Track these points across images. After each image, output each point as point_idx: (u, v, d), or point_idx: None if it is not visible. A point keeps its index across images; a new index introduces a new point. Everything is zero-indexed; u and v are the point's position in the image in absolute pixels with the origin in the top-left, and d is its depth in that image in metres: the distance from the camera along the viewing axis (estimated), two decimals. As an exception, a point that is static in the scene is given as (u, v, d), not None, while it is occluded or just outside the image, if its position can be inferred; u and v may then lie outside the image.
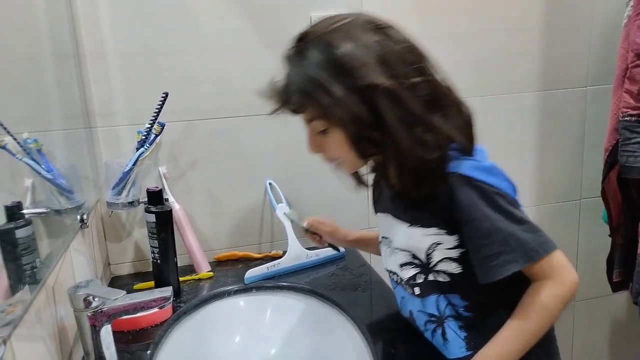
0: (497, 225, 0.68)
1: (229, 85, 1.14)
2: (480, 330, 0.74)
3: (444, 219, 0.72)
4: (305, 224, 1.06)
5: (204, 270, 1.11)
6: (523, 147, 1.37)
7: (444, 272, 0.74)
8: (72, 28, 1.02)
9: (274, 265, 1.09)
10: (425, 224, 0.74)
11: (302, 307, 1.00)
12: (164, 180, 1.11)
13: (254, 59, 1.14)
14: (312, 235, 1.07)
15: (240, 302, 1.02)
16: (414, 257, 0.77)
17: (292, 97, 0.73)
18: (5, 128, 0.66)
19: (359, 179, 0.87)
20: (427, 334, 0.80)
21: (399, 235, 0.79)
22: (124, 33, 1.06)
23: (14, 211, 0.67)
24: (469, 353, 0.74)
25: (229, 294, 1.01)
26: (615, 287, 1.34)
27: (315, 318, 0.97)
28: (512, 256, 0.67)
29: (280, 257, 1.12)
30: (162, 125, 1.06)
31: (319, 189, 1.23)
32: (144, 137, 1.05)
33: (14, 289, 0.62)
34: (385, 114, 0.67)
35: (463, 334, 0.76)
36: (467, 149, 0.72)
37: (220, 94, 1.14)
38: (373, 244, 0.98)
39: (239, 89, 1.14)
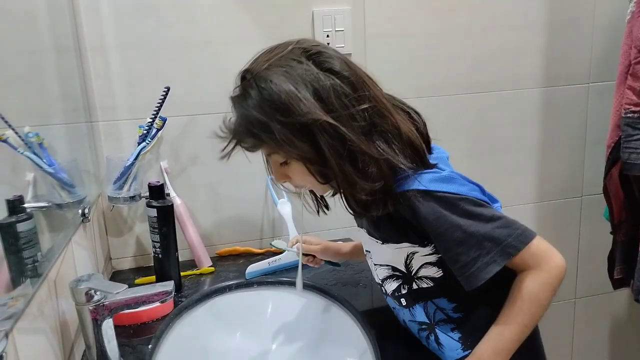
0: (469, 231, 0.67)
1: (231, 80, 1.12)
2: (473, 328, 0.74)
3: (413, 233, 0.72)
4: (292, 247, 1.03)
5: (205, 265, 1.11)
6: (525, 143, 1.37)
7: (427, 278, 0.75)
8: (74, 21, 1.02)
9: (275, 261, 1.09)
10: (396, 241, 0.75)
11: (303, 303, 1.00)
12: (165, 175, 1.11)
13: (255, 53, 1.13)
14: (306, 257, 1.02)
15: (242, 297, 1.02)
16: (394, 269, 0.78)
17: (243, 138, 0.74)
18: (6, 122, 0.66)
19: (323, 203, 0.88)
20: (423, 341, 0.81)
21: (376, 252, 0.81)
22: (125, 26, 1.06)
23: (15, 205, 0.67)
24: (466, 353, 0.74)
25: (230, 289, 1.01)
26: (616, 285, 1.34)
27: (316, 313, 0.97)
28: (490, 257, 0.67)
29: (281, 253, 1.12)
30: (164, 120, 1.06)
31: (321, 184, 1.23)
32: (145, 132, 1.05)
33: (15, 282, 0.62)
34: (325, 150, 0.67)
35: (457, 335, 0.76)
36: (416, 165, 0.71)
37: (222, 88, 1.11)
38: None
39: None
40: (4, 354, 0.51)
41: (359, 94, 0.69)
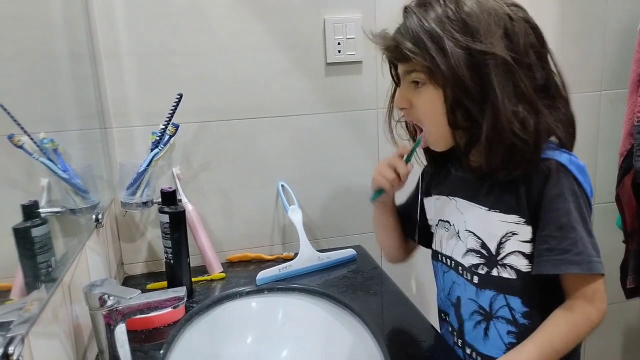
0: (573, 225, 0.67)
1: (243, 87, 1.14)
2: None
3: (528, 205, 0.70)
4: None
5: (216, 271, 1.12)
6: (536, 151, 1.36)
7: (511, 268, 0.72)
8: (88, 28, 1.03)
9: (285, 267, 1.09)
10: (506, 210, 0.72)
11: (314, 309, 1.00)
12: (177, 181, 1.12)
13: (267, 61, 1.14)
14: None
15: (252, 303, 1.02)
16: (483, 245, 0.75)
17: (402, 43, 0.70)
18: (22, 128, 0.67)
19: (431, 156, 0.85)
20: (468, 324, 0.79)
21: (473, 220, 0.77)
22: (139, 33, 1.07)
23: (30, 210, 0.68)
24: None
25: (241, 295, 1.02)
26: (629, 294, 1.33)
27: (326, 320, 0.97)
28: (578, 259, 0.67)
29: (291, 259, 1.12)
30: (176, 127, 1.07)
31: (331, 191, 1.24)
32: (158, 138, 1.06)
33: (30, 287, 0.63)
34: (493, 83, 0.66)
35: (508, 340, 0.74)
36: (566, 144, 0.72)
37: (234, 95, 1.14)
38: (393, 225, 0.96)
39: (253, 90, 1.15)
40: (20, 357, 0.51)
41: (545, 51, 0.70)
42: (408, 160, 0.84)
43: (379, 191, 0.89)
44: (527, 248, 0.71)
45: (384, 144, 0.86)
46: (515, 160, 0.68)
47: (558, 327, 0.69)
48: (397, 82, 0.82)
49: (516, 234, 0.71)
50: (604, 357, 1.56)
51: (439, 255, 0.86)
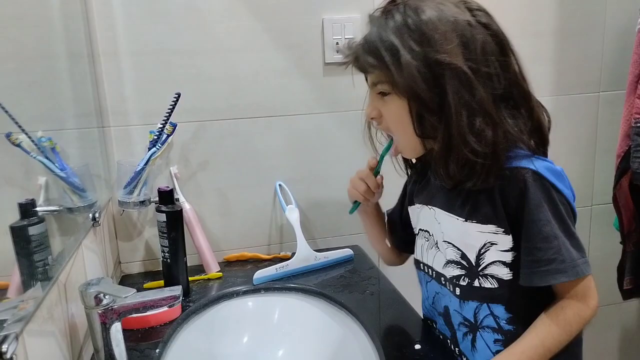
0: (555, 233, 0.67)
1: (241, 86, 1.14)
2: None
3: (506, 215, 0.69)
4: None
5: (213, 270, 1.12)
6: (534, 152, 1.36)
7: (493, 277, 0.72)
8: (87, 27, 1.03)
9: (282, 267, 1.09)
10: (483, 220, 0.71)
11: (310, 309, 1.00)
12: (175, 180, 1.12)
13: (265, 60, 1.14)
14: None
15: (249, 302, 1.02)
16: (463, 256, 0.74)
17: (362, 55, 0.70)
18: (20, 126, 0.67)
19: (411, 163, 0.85)
20: (458, 334, 0.79)
21: (450, 231, 0.76)
22: (137, 32, 1.07)
23: (27, 208, 0.68)
24: None
25: (237, 294, 1.02)
26: (626, 295, 1.33)
27: (323, 320, 0.97)
28: (562, 267, 0.67)
29: (289, 259, 1.12)
30: (174, 126, 1.07)
31: (328, 191, 1.24)
32: (155, 137, 1.06)
33: (26, 285, 0.63)
34: (449, 94, 0.65)
35: (496, 348, 0.74)
36: (536, 150, 0.71)
37: (232, 94, 1.14)
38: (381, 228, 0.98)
39: (251, 90, 1.15)
40: (14, 356, 0.51)
41: (504, 59, 0.68)
42: (377, 173, 0.87)
43: (355, 204, 0.94)
44: (507, 257, 0.71)
45: (381, 144, 0.86)
46: (475, 171, 0.67)
47: (549, 327, 0.69)
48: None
49: (495, 244, 0.71)
50: (601, 358, 1.56)
51: (421, 265, 0.86)
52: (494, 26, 0.69)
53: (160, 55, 1.09)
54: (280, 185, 1.20)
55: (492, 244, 0.71)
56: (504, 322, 0.73)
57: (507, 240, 0.70)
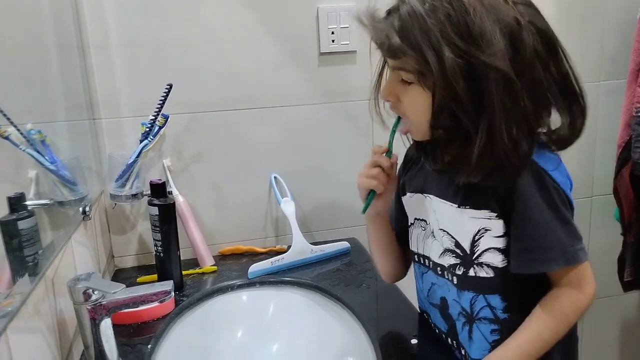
0: (546, 219, 0.65)
1: (234, 78, 1.13)
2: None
3: (497, 199, 0.68)
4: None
5: (208, 264, 1.10)
6: (533, 142, 1.35)
7: (488, 266, 0.70)
8: (77, 18, 1.01)
9: (278, 260, 1.08)
10: (476, 205, 0.69)
11: (306, 303, 0.99)
12: (167, 173, 1.10)
13: (259, 51, 1.12)
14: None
15: (244, 296, 1.01)
16: (457, 244, 0.73)
17: (392, 39, 0.63)
18: (8, 119, 0.66)
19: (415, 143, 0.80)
20: (458, 324, 0.77)
21: (445, 218, 0.74)
22: (128, 24, 1.05)
23: (17, 202, 0.67)
24: None
25: (232, 288, 1.01)
26: (626, 287, 1.32)
27: (318, 314, 0.96)
28: (553, 254, 0.66)
29: (284, 252, 1.10)
30: (166, 117, 1.05)
31: (324, 183, 1.22)
32: (147, 129, 1.05)
33: (16, 280, 0.62)
34: (492, 98, 0.60)
35: (492, 338, 0.72)
36: (550, 148, 0.69)
37: (225, 86, 1.13)
38: (388, 241, 0.89)
39: (245, 81, 1.13)
40: (-4, 354, 0.50)
41: (553, 59, 0.65)
42: (389, 152, 0.79)
43: (370, 195, 0.81)
44: (501, 243, 0.69)
45: (379, 135, 0.83)
46: (499, 171, 0.65)
47: (545, 318, 0.68)
48: (384, 66, 0.77)
49: (489, 230, 0.69)
50: (600, 349, 1.55)
51: (416, 256, 0.83)
52: (543, 23, 0.66)
53: (152, 47, 1.07)
54: (275, 177, 1.18)
55: (486, 229, 0.69)
56: (500, 311, 0.71)
57: (499, 225, 0.69)
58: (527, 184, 0.65)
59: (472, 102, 0.62)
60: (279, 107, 1.16)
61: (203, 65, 1.10)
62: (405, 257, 0.90)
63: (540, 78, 0.64)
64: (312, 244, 1.14)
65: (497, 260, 0.70)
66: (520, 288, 0.70)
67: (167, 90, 1.02)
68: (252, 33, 1.11)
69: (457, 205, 0.72)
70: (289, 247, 1.12)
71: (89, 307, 0.70)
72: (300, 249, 1.11)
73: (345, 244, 1.17)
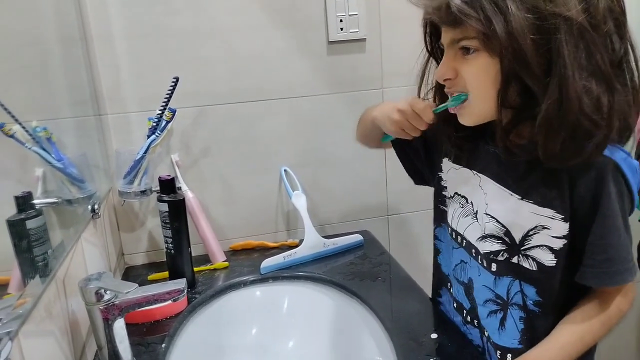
0: (625, 230, 0.63)
1: (242, 68, 1.10)
2: (537, 328, 0.69)
3: (571, 203, 0.63)
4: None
5: (219, 260, 1.08)
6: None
7: (534, 260, 0.67)
8: (79, 10, 0.99)
9: (290, 255, 1.06)
10: (541, 202, 0.64)
11: (321, 298, 0.97)
12: (176, 168, 1.08)
13: (267, 41, 1.10)
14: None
15: (257, 292, 1.00)
16: (507, 233, 0.69)
17: (453, 1, 0.59)
18: (13, 116, 0.64)
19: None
20: (482, 310, 0.74)
21: (498, 205, 0.70)
22: (132, 15, 1.03)
23: (24, 201, 0.65)
24: (520, 347, 0.70)
25: (244, 284, 0.99)
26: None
27: (334, 309, 0.94)
28: (628, 266, 0.63)
29: (296, 246, 1.09)
30: (173, 112, 1.03)
31: (335, 175, 1.20)
32: (154, 124, 1.02)
33: (26, 280, 0.60)
34: (564, 52, 0.56)
35: (521, 326, 0.70)
36: (622, 136, 0.63)
37: (233, 77, 1.10)
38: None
39: (252, 72, 1.10)
40: (8, 358, 0.49)
41: (626, 24, 0.60)
42: (436, 112, 0.73)
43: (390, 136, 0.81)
44: (557, 244, 0.65)
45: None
46: (577, 146, 0.59)
47: (590, 322, 0.65)
48: (432, 53, 0.73)
49: (547, 229, 0.65)
50: (618, 347, 1.53)
51: (449, 229, 0.80)
52: None
53: (156, 38, 1.04)
54: (285, 170, 1.16)
55: (545, 227, 0.65)
56: (531, 302, 0.69)
57: (562, 227, 0.64)
58: (611, 190, 0.61)
59: (543, 64, 0.58)
60: (287, 98, 1.13)
61: (209, 55, 1.08)
62: (382, 145, 0.92)
63: (613, 34, 0.59)
64: (324, 237, 1.12)
65: (547, 258, 0.66)
66: (561, 291, 0.67)
67: (173, 84, 0.99)
68: (259, 21, 1.08)
69: (519, 197, 0.67)
70: (301, 241, 1.10)
71: (101, 308, 0.68)
72: (312, 242, 1.09)
73: (358, 237, 1.15)
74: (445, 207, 0.82)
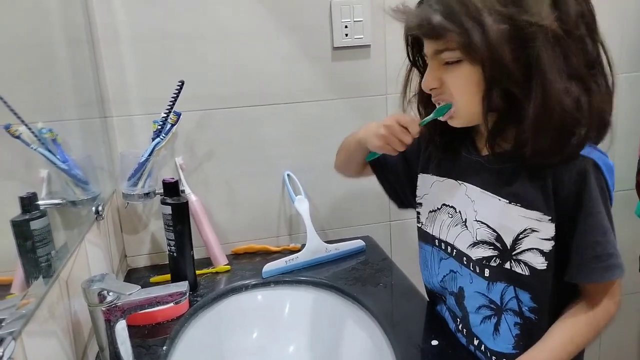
0: (610, 227, 0.64)
1: (246, 73, 1.11)
2: (533, 334, 0.69)
3: (556, 203, 0.65)
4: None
5: (221, 263, 1.09)
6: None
7: (526, 264, 0.68)
8: (86, 12, 1.00)
9: (292, 259, 1.06)
10: (528, 205, 0.66)
11: (322, 303, 0.97)
12: (180, 171, 1.09)
13: (272, 46, 1.10)
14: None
15: (258, 296, 1.00)
16: (498, 238, 0.70)
17: (432, 17, 0.62)
18: (19, 117, 0.64)
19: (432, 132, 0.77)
20: (474, 317, 0.75)
21: (487, 211, 0.71)
22: (138, 18, 1.04)
23: (28, 202, 0.65)
24: (514, 352, 0.70)
25: (246, 288, 0.99)
26: (648, 284, 1.29)
27: (335, 314, 0.94)
28: (619, 262, 0.65)
29: (298, 251, 1.09)
30: (178, 115, 1.04)
31: (339, 180, 1.19)
32: (159, 127, 1.03)
33: (29, 281, 0.61)
34: (542, 58, 0.59)
35: (516, 332, 0.71)
36: (600, 134, 0.66)
37: (238, 82, 1.11)
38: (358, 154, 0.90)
39: (257, 77, 1.11)
40: (11, 358, 0.49)
41: (596, 27, 0.63)
42: (423, 124, 0.75)
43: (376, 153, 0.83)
44: (546, 246, 0.66)
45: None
46: (562, 142, 0.62)
47: (579, 324, 0.67)
48: (414, 63, 0.76)
49: (537, 231, 0.66)
50: (618, 347, 1.52)
51: (437, 241, 0.81)
52: None
53: (162, 41, 1.05)
54: (288, 174, 1.16)
55: (534, 230, 0.66)
56: (526, 309, 0.69)
57: (549, 229, 0.65)
58: (594, 189, 0.63)
59: (522, 69, 0.60)
60: (291, 103, 1.14)
61: (214, 60, 1.08)
62: (362, 171, 0.96)
63: (586, 37, 0.62)
64: (326, 242, 1.12)
65: (538, 261, 0.67)
66: (553, 294, 0.68)
67: (179, 87, 1.00)
68: (264, 27, 1.09)
69: (507, 201, 0.68)
70: (303, 245, 1.10)
71: (103, 309, 0.69)
72: (314, 247, 1.09)
73: (360, 242, 1.15)
74: (423, 226, 0.85)
